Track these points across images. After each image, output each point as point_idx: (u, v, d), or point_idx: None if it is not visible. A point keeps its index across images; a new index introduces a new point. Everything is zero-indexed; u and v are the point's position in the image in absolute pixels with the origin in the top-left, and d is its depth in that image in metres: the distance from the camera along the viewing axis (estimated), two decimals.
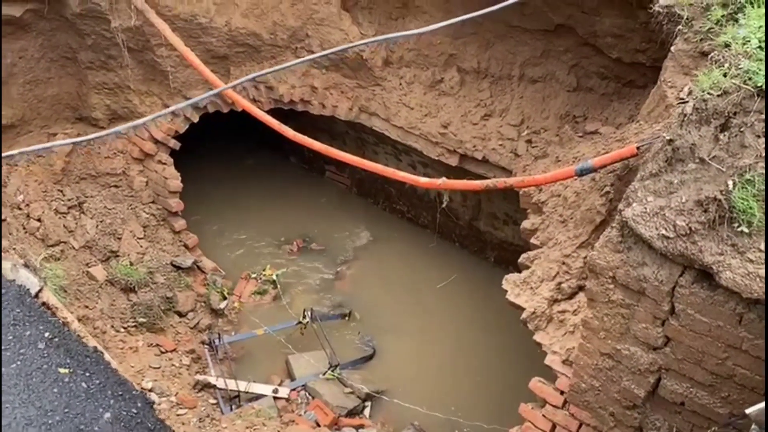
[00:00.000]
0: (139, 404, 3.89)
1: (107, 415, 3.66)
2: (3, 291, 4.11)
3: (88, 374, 3.80)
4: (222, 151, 10.71)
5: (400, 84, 7.87)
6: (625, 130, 5.54)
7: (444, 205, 6.17)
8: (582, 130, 6.62)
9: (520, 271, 5.54)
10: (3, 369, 3.49)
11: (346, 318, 8.01)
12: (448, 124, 7.44)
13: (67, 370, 3.77)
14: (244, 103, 7.10)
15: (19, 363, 3.67)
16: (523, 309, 5.21)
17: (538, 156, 6.71)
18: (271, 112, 7.17)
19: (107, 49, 7.61)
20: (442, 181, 5.80)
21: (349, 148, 9.01)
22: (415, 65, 7.83)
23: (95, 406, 3.67)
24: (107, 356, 4.46)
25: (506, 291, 5.39)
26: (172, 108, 5.71)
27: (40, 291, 5.16)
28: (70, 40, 7.62)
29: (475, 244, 9.14)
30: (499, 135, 7.19)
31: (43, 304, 4.97)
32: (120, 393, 3.84)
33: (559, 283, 5.09)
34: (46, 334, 3.94)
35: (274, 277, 8.45)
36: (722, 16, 4.34)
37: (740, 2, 4.21)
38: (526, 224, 5.90)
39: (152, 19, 7.12)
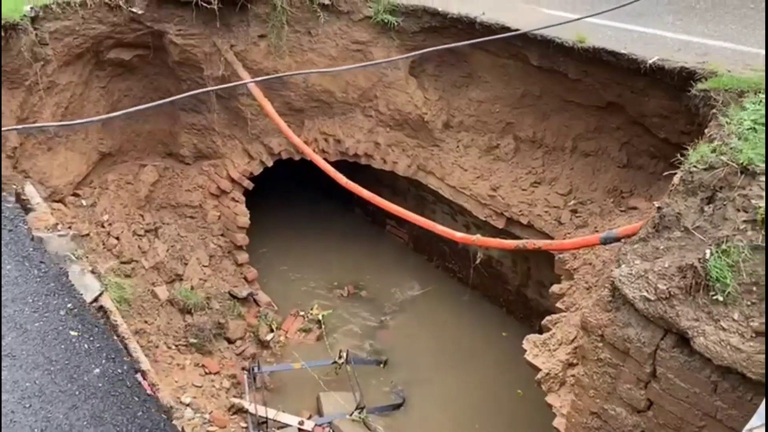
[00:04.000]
0: (125, 367, 4.71)
1: (96, 370, 4.52)
2: (45, 269, 4.84)
3: (91, 338, 4.73)
4: (295, 197, 11.48)
5: (458, 146, 8.28)
6: None
7: (477, 261, 6.40)
8: (625, 205, 6.73)
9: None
10: (29, 326, 4.24)
11: (382, 365, 8.22)
12: (498, 187, 7.73)
13: (76, 333, 4.69)
14: (308, 151, 7.74)
15: (41, 323, 4.66)
16: (539, 369, 5.32)
17: (579, 225, 6.85)
18: (339, 167, 7.59)
19: (199, 94, 8.54)
20: (476, 237, 6.10)
21: (409, 205, 9.42)
22: (473, 130, 8.24)
23: (89, 362, 4.54)
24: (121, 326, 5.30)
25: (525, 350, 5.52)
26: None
27: (99, 295, 5.80)
28: (169, 84, 8.62)
29: (521, 310, 9.17)
30: (545, 202, 7.39)
31: (100, 308, 5.63)
32: (113, 357, 4.71)
33: (576, 348, 5.17)
34: (69, 305, 4.94)
35: (320, 317, 8.85)
36: (755, 102, 4.51)
37: None
38: (554, 288, 6.03)
39: (239, 71, 7.99)
